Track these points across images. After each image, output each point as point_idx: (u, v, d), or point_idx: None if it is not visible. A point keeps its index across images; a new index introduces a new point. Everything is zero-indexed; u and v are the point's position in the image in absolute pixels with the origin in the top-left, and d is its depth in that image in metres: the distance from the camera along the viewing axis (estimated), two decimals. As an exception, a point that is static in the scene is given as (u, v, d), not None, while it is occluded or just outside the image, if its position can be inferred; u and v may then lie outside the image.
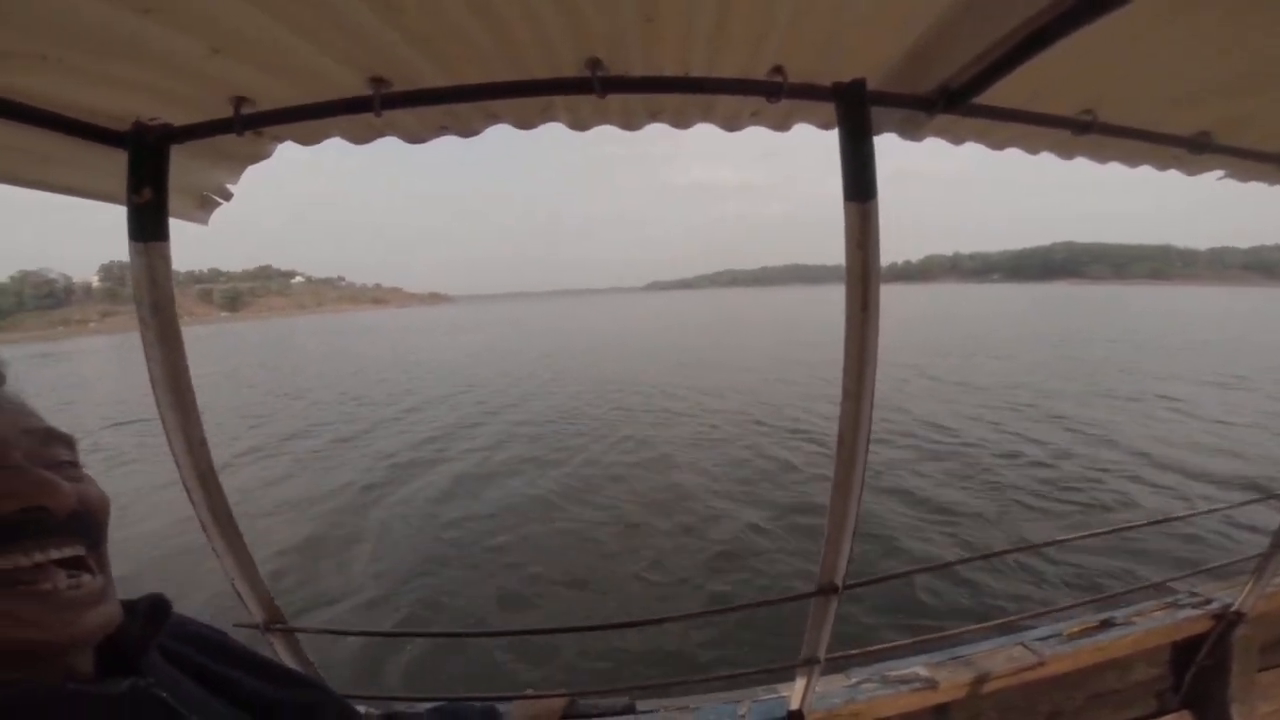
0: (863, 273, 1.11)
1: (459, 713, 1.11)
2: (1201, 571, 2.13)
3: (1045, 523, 6.86)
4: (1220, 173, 1.63)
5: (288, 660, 1.44)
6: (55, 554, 0.54)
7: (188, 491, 1.25)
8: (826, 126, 1.26)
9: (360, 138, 1.27)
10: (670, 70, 1.09)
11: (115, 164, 1.11)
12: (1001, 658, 1.74)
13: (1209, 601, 1.99)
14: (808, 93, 1.11)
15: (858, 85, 1.09)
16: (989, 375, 17.03)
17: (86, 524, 0.58)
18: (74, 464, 0.60)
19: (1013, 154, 1.51)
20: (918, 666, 1.71)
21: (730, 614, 4.90)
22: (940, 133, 1.32)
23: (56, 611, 0.53)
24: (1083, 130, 1.31)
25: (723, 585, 5.59)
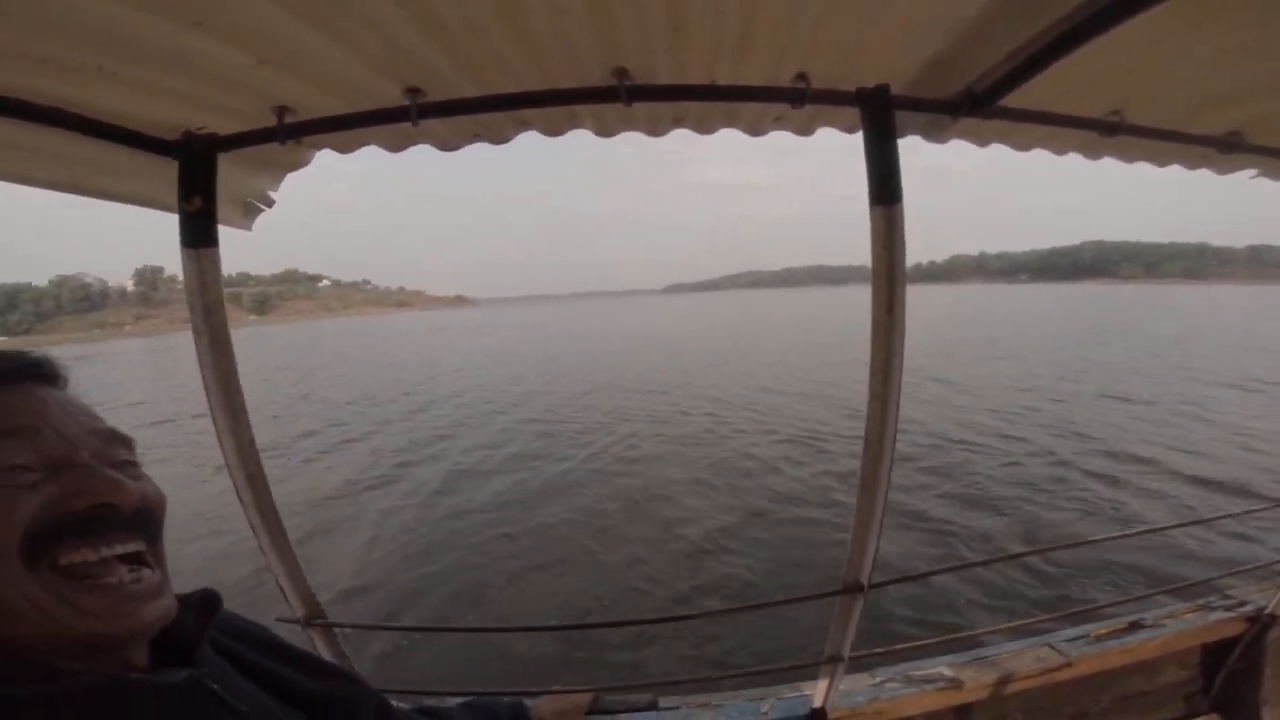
0: (889, 275, 1.12)
1: (488, 707, 1.13)
2: (1234, 574, 2.09)
3: (1070, 525, 6.75)
4: (1252, 171, 1.61)
5: (325, 654, 1.48)
6: (120, 549, 0.57)
7: (236, 490, 1.29)
8: (850, 130, 1.27)
9: (395, 146, 1.31)
10: (695, 78, 1.11)
11: (166, 172, 1.15)
12: (1028, 658, 1.72)
13: (1242, 604, 1.95)
14: (832, 98, 1.12)
15: (882, 90, 1.10)
16: (1007, 378, 16.78)
17: (147, 521, 0.61)
18: (134, 463, 0.63)
19: (1040, 152, 1.50)
20: (942, 666, 1.69)
21: (754, 611, 4.89)
22: (964, 135, 1.32)
23: (119, 604, 0.56)
24: (1110, 132, 1.30)
25: (748, 583, 5.60)
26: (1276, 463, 8.70)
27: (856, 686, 1.65)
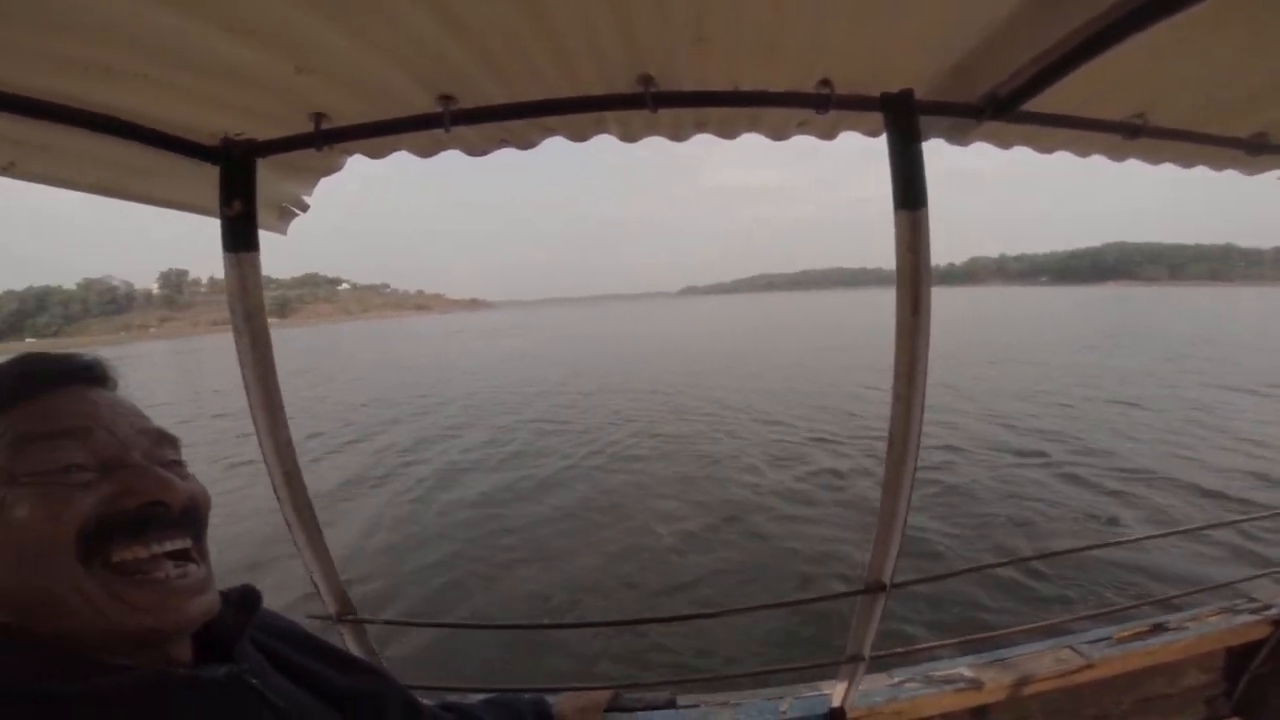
0: (913, 278, 1.13)
1: (511, 703, 1.15)
2: (1261, 576, 2.06)
3: (1094, 527, 6.67)
4: None
5: (355, 649, 1.50)
6: (169, 546, 0.59)
7: (274, 488, 1.32)
8: (873, 134, 1.28)
9: (426, 151, 1.34)
10: (720, 85, 1.12)
11: (204, 177, 1.19)
12: (1049, 660, 1.70)
13: (1267, 607, 1.92)
14: (855, 103, 1.13)
15: (906, 95, 1.10)
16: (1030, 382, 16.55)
17: (194, 519, 0.63)
18: (181, 462, 0.65)
19: (1061, 154, 1.50)
20: (962, 667, 1.68)
21: (774, 610, 4.88)
22: (987, 138, 1.33)
23: (167, 599, 0.57)
24: (1134, 134, 1.30)
25: (769, 583, 5.60)
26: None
27: (875, 686, 1.65)
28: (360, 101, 1.10)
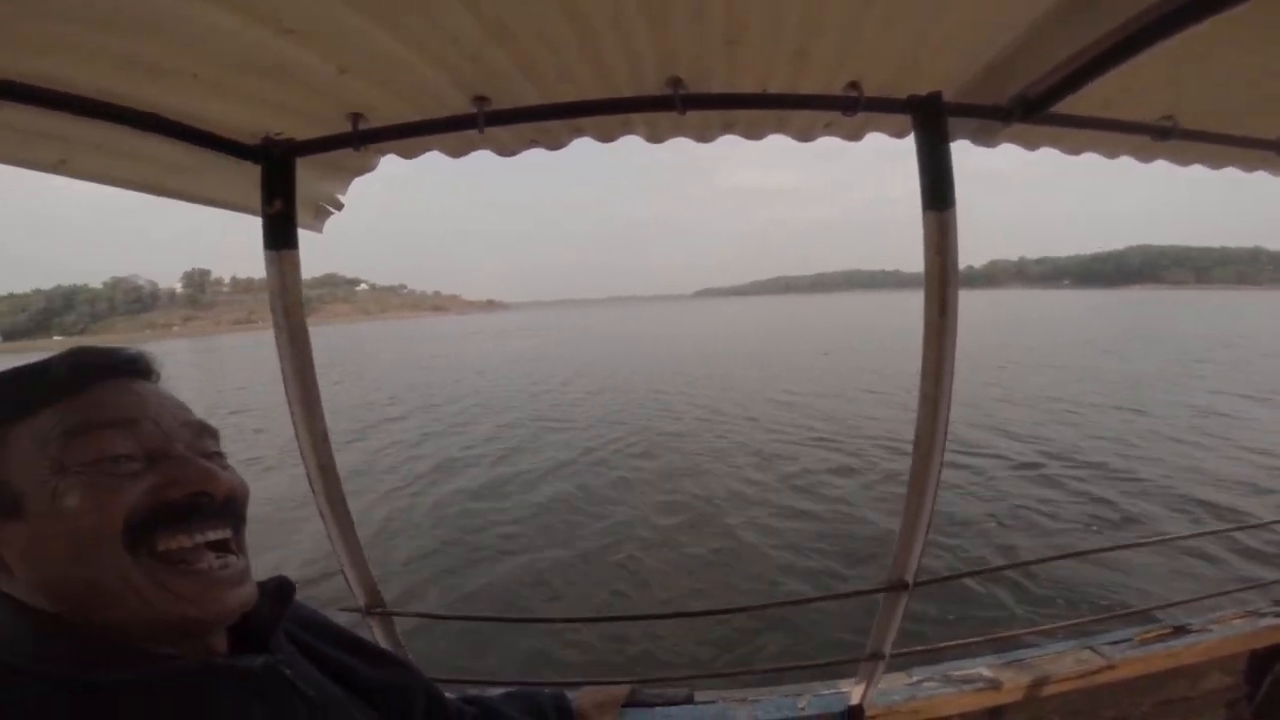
0: (941, 278, 1.14)
1: (531, 697, 1.16)
2: None
3: (1119, 529, 6.60)
4: None
5: (383, 642, 1.52)
6: (212, 535, 0.60)
7: (309, 480, 1.34)
8: (900, 135, 1.28)
9: (458, 151, 1.36)
10: (748, 87, 1.13)
11: (245, 176, 1.21)
12: (1069, 660, 1.69)
13: None
14: (883, 106, 1.14)
15: (934, 98, 1.11)
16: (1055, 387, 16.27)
17: (234, 510, 0.64)
18: (221, 454, 0.66)
19: (1084, 156, 1.49)
20: (981, 667, 1.67)
21: (792, 607, 4.87)
22: (1014, 140, 1.33)
23: (208, 589, 0.58)
24: (1163, 135, 1.29)
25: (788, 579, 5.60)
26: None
27: (894, 685, 1.64)
28: (397, 102, 1.12)
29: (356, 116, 1.15)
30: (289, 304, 1.23)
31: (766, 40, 0.98)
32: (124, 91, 0.97)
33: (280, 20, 0.84)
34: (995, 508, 7.38)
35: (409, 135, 1.21)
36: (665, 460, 10.37)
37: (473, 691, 1.52)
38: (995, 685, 1.62)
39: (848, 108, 1.14)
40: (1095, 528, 6.70)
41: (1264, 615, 1.88)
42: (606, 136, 1.37)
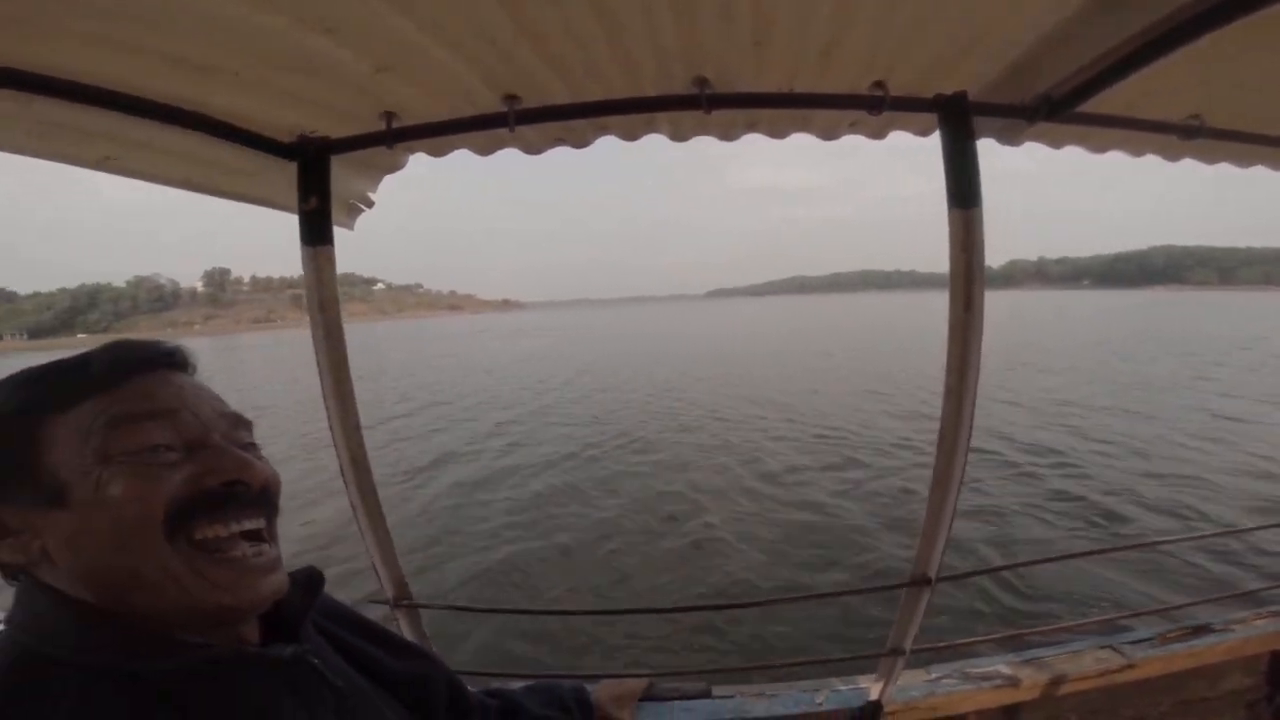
0: (966, 275, 1.14)
1: (551, 689, 1.17)
2: None
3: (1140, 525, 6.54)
4: None
5: (409, 633, 1.54)
6: (247, 524, 0.61)
7: (341, 472, 1.36)
8: (924, 133, 1.29)
9: (486, 149, 1.37)
10: (774, 87, 1.14)
11: (280, 174, 1.23)
12: (1088, 659, 1.67)
13: None
14: (909, 105, 1.14)
15: (960, 97, 1.12)
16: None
17: (268, 499, 0.64)
18: (255, 445, 0.67)
19: (1107, 156, 1.48)
20: (1001, 664, 1.66)
21: (811, 602, 4.86)
22: (1039, 138, 1.32)
23: (242, 577, 0.59)
24: (1190, 135, 1.29)
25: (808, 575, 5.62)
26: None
27: (912, 681, 1.63)
28: (430, 101, 1.13)
29: (390, 115, 1.16)
30: (324, 298, 1.26)
31: (793, 40, 0.99)
32: (169, 90, 0.99)
33: (324, 19, 0.85)
34: (1010, 503, 7.33)
35: (440, 134, 1.22)
36: (686, 457, 10.39)
37: (494, 684, 1.54)
38: (1014, 683, 1.61)
39: (873, 107, 1.14)
40: (1111, 529, 6.64)
41: None
42: (631, 135, 1.37)
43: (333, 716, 0.64)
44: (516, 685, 1.17)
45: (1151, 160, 1.49)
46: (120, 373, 0.59)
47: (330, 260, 1.26)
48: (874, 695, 1.54)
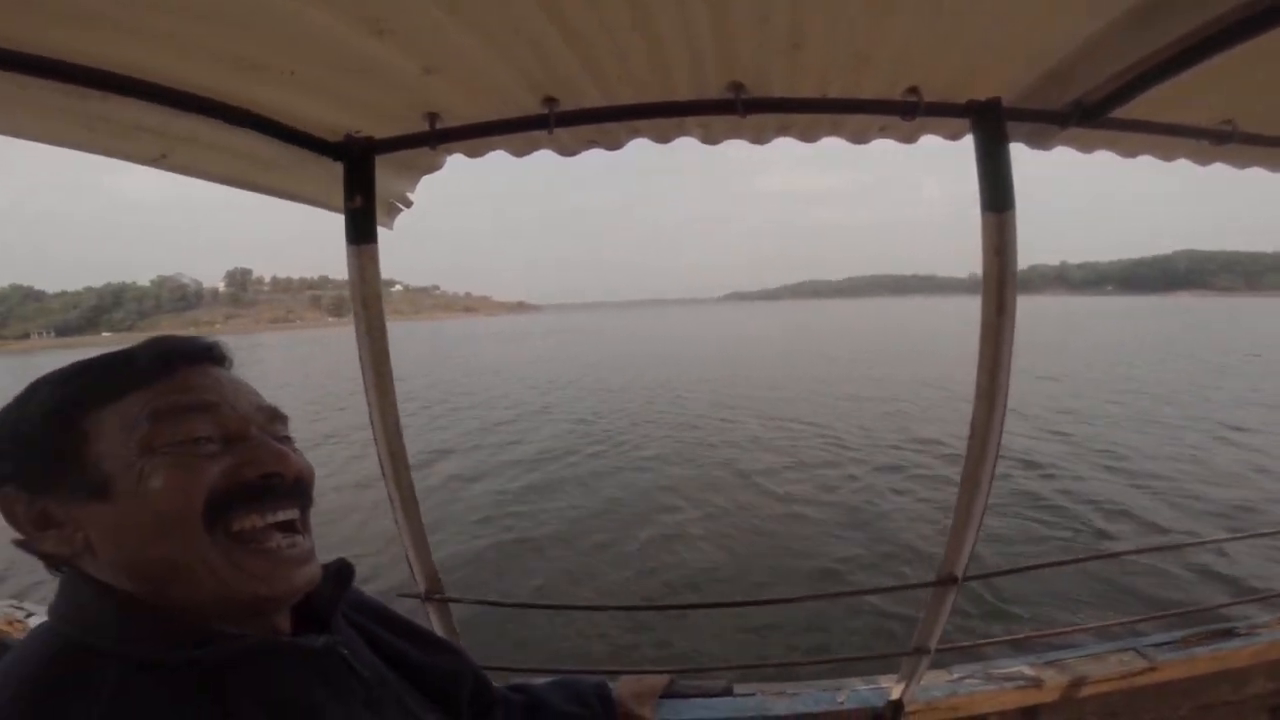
0: (999, 279, 1.15)
1: (573, 684, 1.17)
2: None
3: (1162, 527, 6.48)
4: None
5: (438, 628, 1.55)
6: (282, 516, 0.62)
7: (380, 465, 1.38)
8: (955, 137, 1.29)
9: (522, 151, 1.39)
10: (808, 92, 1.15)
11: (324, 172, 1.26)
12: (1111, 661, 1.66)
13: None
14: (942, 110, 1.15)
15: (993, 104, 1.12)
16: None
17: (303, 491, 0.65)
18: (290, 438, 0.68)
19: (1132, 160, 1.48)
20: (1023, 665, 1.65)
21: (832, 600, 4.86)
22: (1070, 143, 1.33)
23: (277, 567, 0.60)
24: (1221, 140, 1.29)
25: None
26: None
27: (934, 681, 1.63)
28: (471, 102, 1.15)
29: (433, 116, 1.18)
30: (368, 296, 1.28)
31: (829, 45, 1.00)
32: (222, 87, 1.00)
33: (377, 20, 0.87)
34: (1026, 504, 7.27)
35: (480, 135, 1.24)
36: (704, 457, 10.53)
37: (517, 679, 1.55)
38: (1036, 684, 1.59)
39: (907, 112, 1.15)
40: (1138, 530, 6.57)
41: None
42: (663, 138, 1.39)
43: (362, 707, 0.65)
44: (539, 680, 1.17)
45: (1178, 169, 1.48)
46: (164, 366, 0.61)
47: (374, 258, 1.28)
48: (895, 695, 1.54)
